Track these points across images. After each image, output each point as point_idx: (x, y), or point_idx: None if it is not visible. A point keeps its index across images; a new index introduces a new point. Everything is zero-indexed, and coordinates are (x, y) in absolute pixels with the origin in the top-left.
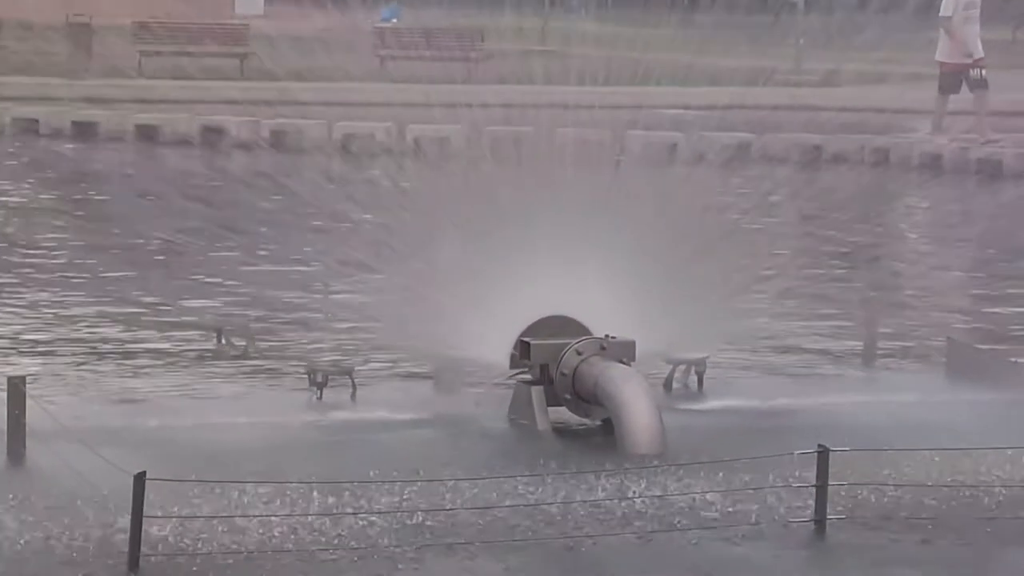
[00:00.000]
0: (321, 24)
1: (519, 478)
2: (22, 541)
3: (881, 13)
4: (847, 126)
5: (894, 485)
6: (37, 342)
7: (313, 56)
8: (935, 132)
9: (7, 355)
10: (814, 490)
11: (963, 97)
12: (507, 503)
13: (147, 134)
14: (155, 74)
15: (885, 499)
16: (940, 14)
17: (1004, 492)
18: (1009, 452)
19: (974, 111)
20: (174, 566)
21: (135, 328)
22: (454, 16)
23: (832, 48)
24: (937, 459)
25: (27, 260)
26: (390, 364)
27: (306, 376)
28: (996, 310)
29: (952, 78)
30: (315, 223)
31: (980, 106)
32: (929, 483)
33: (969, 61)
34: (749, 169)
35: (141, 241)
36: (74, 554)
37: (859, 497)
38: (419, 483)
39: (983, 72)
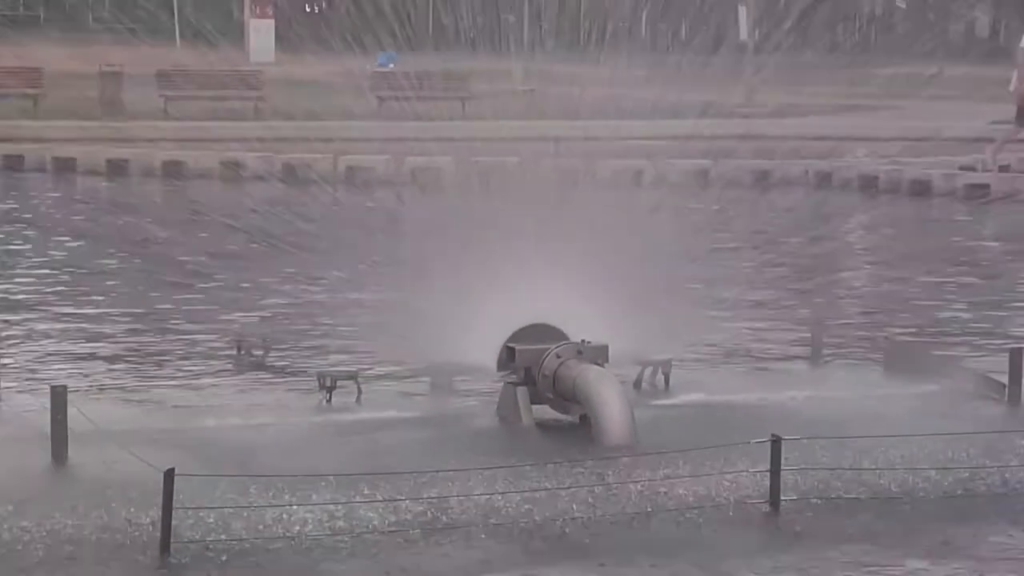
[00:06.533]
0: (325, 70)
1: (503, 468)
2: (68, 529)
3: (825, 53)
4: (794, 152)
5: (843, 469)
6: (76, 355)
7: (319, 98)
8: (991, 160)
9: (51, 365)
10: (768, 475)
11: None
12: (496, 491)
13: (173, 170)
14: (179, 116)
15: (835, 482)
16: (1021, 46)
17: (938, 475)
18: (946, 438)
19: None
20: (200, 551)
21: (167, 341)
22: (444, 61)
23: (781, 83)
24: (881, 447)
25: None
26: (392, 369)
27: (316, 381)
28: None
29: None
30: (323, 246)
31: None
32: (874, 467)
33: None
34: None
35: (166, 265)
36: (119, 539)
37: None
38: (423, 475)
39: None
